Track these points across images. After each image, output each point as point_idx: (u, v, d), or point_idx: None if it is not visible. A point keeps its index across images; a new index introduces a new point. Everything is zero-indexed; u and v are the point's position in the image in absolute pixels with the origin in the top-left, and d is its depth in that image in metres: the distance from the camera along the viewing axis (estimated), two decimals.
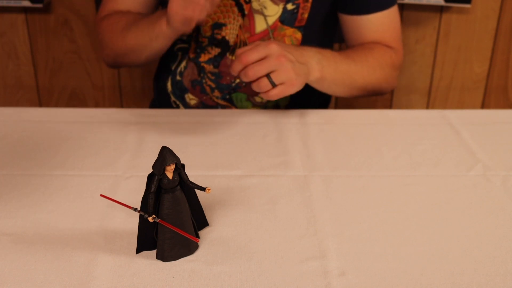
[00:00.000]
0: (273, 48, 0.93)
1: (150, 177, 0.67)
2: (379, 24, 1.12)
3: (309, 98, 1.19)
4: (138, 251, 0.70)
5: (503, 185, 0.85)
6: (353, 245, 0.72)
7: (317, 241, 0.73)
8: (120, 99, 1.85)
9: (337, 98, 1.81)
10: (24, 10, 1.71)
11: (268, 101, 1.17)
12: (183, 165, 0.68)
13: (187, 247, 0.70)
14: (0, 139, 0.96)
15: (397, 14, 1.15)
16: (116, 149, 0.94)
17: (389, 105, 1.90)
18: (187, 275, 0.67)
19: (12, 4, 1.65)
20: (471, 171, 0.89)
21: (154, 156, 0.67)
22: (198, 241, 0.71)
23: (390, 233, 0.74)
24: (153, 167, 0.66)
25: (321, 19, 1.14)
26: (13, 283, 0.65)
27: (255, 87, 0.95)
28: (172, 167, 0.66)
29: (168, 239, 0.68)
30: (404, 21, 1.76)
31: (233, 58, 1.14)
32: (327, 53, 1.03)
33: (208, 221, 0.75)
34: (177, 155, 0.67)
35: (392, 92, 1.88)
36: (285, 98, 1.18)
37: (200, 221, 0.74)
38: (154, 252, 0.70)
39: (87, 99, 1.85)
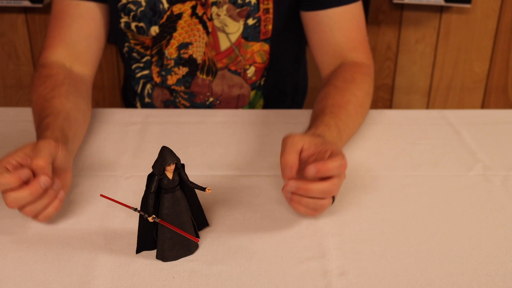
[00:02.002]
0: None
1: (150, 177, 0.67)
2: (341, 21, 1.03)
3: (282, 101, 1.17)
4: (138, 251, 0.70)
5: (503, 185, 0.85)
6: (353, 245, 0.72)
7: (317, 241, 0.73)
8: (120, 99, 1.85)
9: None
10: (24, 10, 1.71)
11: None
12: (183, 165, 0.68)
13: (187, 247, 0.70)
14: (0, 139, 0.96)
15: (361, 12, 1.05)
16: (116, 149, 0.94)
17: (389, 105, 1.90)
18: (187, 275, 0.67)
19: (12, 4, 1.65)
20: (471, 171, 0.89)
21: (154, 156, 0.67)
22: (198, 241, 0.71)
23: (390, 233, 0.74)
24: (153, 167, 0.66)
25: (287, 26, 1.10)
26: (13, 283, 0.65)
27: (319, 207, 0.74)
28: (172, 167, 0.66)
29: (168, 239, 0.68)
30: (404, 21, 1.76)
31: (204, 77, 1.09)
32: (337, 139, 0.85)
33: (208, 221, 0.75)
34: (177, 155, 0.67)
35: (392, 92, 1.88)
36: (260, 100, 1.15)
37: (200, 221, 0.74)
38: (154, 252, 0.70)
39: None
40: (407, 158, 0.92)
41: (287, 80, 1.20)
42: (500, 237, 0.74)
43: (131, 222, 0.75)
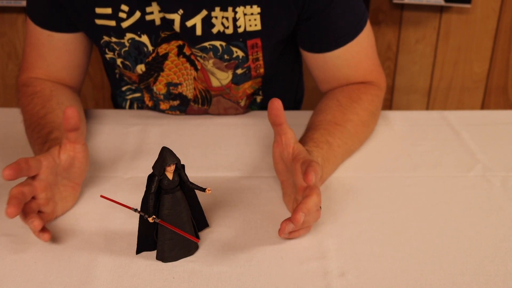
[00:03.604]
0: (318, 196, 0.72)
1: (150, 178, 0.67)
2: (348, 58, 0.97)
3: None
4: (138, 251, 0.70)
5: (503, 185, 0.85)
6: (353, 246, 0.72)
7: (317, 241, 0.73)
8: None
9: None
10: (24, 10, 1.71)
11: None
12: (183, 166, 0.68)
13: (187, 248, 0.70)
14: (0, 139, 0.96)
15: (369, 35, 0.98)
16: (116, 150, 0.94)
17: (389, 105, 1.90)
18: (187, 276, 0.67)
19: (12, 4, 1.65)
20: (471, 171, 0.89)
21: (154, 156, 0.67)
22: (198, 241, 0.71)
23: (390, 234, 0.74)
24: (153, 167, 0.66)
25: (280, 61, 1.05)
26: (13, 283, 0.65)
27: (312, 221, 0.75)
28: (172, 167, 0.66)
29: (168, 240, 0.68)
30: (404, 21, 1.76)
31: (199, 106, 1.05)
32: (328, 161, 0.84)
33: (208, 222, 0.75)
34: (177, 155, 0.67)
35: (392, 92, 1.88)
36: (257, 103, 1.12)
37: (200, 222, 0.74)
38: (154, 253, 0.70)
39: (87, 99, 1.85)
40: (407, 159, 0.92)
41: (282, 95, 1.16)
42: (499, 237, 0.74)
43: (131, 222, 0.75)
